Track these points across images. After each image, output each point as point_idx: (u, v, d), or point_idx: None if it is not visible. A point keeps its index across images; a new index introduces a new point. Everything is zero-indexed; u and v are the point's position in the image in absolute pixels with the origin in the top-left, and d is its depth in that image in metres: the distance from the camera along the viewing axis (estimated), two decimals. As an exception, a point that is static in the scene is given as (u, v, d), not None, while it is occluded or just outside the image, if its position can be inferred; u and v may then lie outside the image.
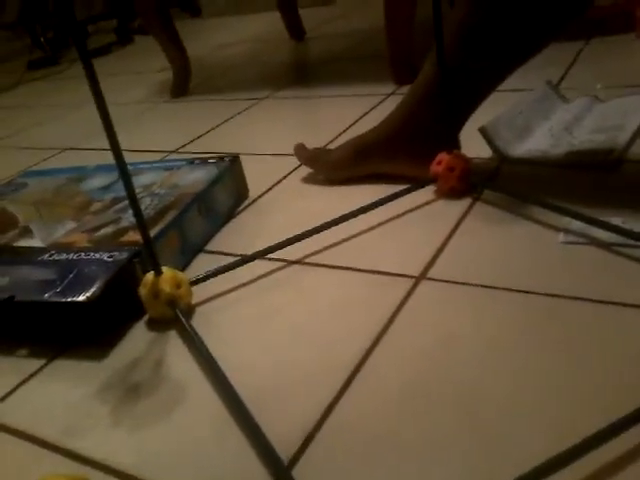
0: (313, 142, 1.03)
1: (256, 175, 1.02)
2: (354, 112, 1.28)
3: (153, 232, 0.75)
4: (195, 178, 0.90)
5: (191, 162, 0.97)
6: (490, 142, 0.94)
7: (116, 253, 0.73)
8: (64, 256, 0.75)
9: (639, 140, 0.91)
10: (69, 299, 0.67)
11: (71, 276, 0.71)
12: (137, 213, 0.64)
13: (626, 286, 0.62)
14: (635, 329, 0.56)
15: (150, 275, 0.69)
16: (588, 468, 0.44)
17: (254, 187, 1.00)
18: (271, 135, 1.27)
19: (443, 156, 0.85)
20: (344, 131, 1.18)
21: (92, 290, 0.68)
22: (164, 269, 0.69)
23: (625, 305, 0.59)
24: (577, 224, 0.71)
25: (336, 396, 0.55)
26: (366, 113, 1.26)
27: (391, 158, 0.90)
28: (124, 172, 0.62)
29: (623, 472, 0.44)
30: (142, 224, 0.65)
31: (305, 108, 1.42)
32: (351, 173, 0.94)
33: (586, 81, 1.16)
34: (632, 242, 0.67)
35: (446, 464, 0.47)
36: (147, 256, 0.68)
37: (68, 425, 0.59)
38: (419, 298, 0.67)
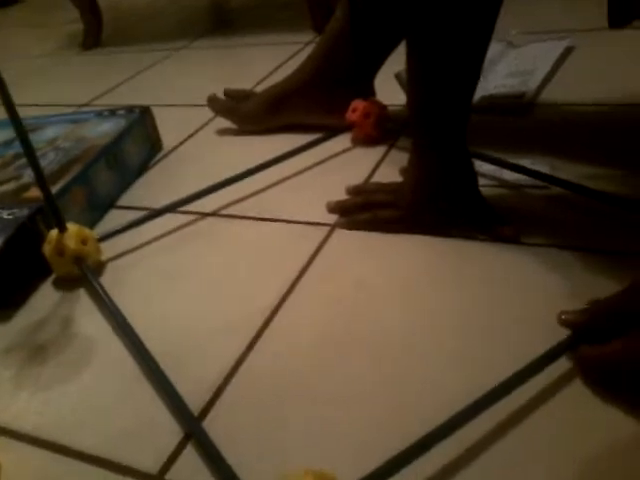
0: (229, 92, 1.00)
1: (170, 127, 0.99)
2: (272, 61, 1.24)
3: (56, 187, 0.71)
4: (103, 130, 0.86)
5: (99, 114, 0.92)
6: (405, 88, 0.94)
7: (16, 210, 0.69)
8: (-39, 216, 0.71)
9: (549, 84, 0.93)
10: (-33, 260, 0.64)
11: (-32, 236, 0.67)
12: (35, 167, 0.61)
13: (534, 226, 0.63)
14: (542, 267, 0.57)
15: (54, 232, 0.66)
16: (508, 408, 0.44)
17: (168, 139, 0.97)
18: (187, 86, 1.22)
19: (358, 103, 0.84)
20: (261, 81, 1.15)
21: (-9, 250, 0.64)
22: (69, 225, 0.66)
23: (533, 245, 0.61)
24: (487, 167, 0.72)
25: (248, 346, 0.55)
26: (284, 62, 1.23)
27: (305, 108, 0.89)
28: (18, 126, 0.58)
29: (540, 410, 0.44)
30: (41, 178, 0.62)
31: (222, 58, 1.38)
32: (266, 124, 0.92)
33: (501, 26, 1.16)
34: (540, 183, 0.69)
35: (360, 412, 0.47)
36: (50, 212, 0.65)
37: (-31, 391, 0.56)
38: (334, 245, 0.66)
